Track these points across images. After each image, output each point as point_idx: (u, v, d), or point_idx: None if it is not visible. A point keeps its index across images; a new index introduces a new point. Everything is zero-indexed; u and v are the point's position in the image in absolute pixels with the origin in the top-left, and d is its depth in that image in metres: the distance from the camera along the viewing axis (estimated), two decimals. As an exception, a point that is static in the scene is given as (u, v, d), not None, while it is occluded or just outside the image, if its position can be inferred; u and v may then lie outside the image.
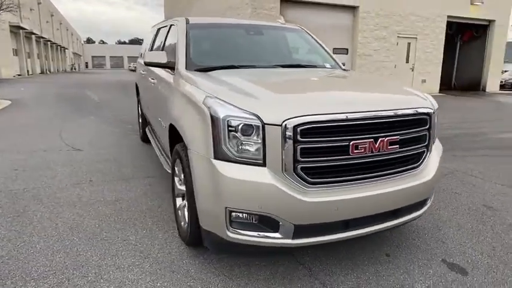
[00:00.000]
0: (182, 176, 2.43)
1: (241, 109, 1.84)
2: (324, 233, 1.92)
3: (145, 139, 5.27)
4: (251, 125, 1.80)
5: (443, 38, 14.21)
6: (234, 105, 1.86)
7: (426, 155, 2.21)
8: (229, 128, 1.83)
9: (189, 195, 2.15)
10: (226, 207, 1.85)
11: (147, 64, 3.05)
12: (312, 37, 3.68)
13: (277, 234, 1.87)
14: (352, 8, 11.92)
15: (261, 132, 1.79)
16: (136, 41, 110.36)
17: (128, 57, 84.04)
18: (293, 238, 1.87)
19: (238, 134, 1.82)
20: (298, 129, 1.77)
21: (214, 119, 1.86)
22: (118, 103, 10.68)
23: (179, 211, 2.64)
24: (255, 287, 2.05)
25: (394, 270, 2.25)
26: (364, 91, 2.35)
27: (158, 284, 2.06)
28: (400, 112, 2.01)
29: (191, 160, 2.01)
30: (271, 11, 10.39)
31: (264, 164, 1.81)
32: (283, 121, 1.77)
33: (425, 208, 2.32)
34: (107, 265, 2.23)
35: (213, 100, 1.94)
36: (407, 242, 2.60)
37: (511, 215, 3.09)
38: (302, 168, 1.82)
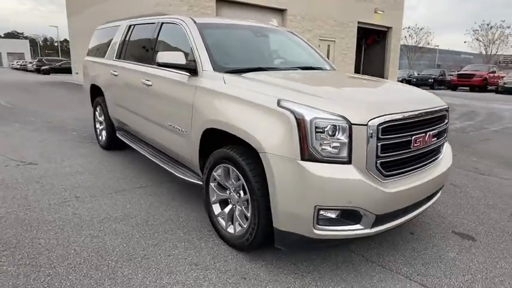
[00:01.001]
0: (232, 182, 2.38)
1: (327, 111, 1.92)
2: (393, 219, 2.14)
3: (110, 147, 4.79)
4: (338, 125, 1.90)
5: (355, 41, 16.00)
6: (319, 108, 1.93)
7: (445, 145, 2.61)
8: (317, 130, 1.90)
9: (257, 200, 2.13)
10: (315, 206, 1.92)
11: (162, 65, 2.83)
12: (303, 40, 3.88)
13: (358, 226, 2.01)
14: (281, 11, 12.55)
15: (347, 132, 1.91)
16: (15, 35, 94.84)
17: (8, 53, 71.51)
18: (371, 227, 2.04)
19: (325, 135, 1.91)
20: (380, 127, 1.95)
21: (300, 122, 1.91)
22: (34, 107, 9.27)
23: (218, 218, 2.58)
24: (328, 277, 2.16)
25: (425, 245, 2.60)
26: (404, 92, 2.62)
27: (240, 293, 2.01)
28: (437, 109, 2.35)
29: (269, 163, 2.00)
30: (207, 10, 10.28)
31: (349, 162, 1.93)
32: (369, 121, 1.92)
33: (440, 192, 2.74)
34: (170, 284, 2.07)
35: (293, 103, 1.98)
36: (419, 220, 3.01)
37: (473, 190, 3.81)
38: (381, 163, 2.00)
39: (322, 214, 1.96)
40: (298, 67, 3.18)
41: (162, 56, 2.80)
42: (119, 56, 4.21)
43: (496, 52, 39.58)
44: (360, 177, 1.91)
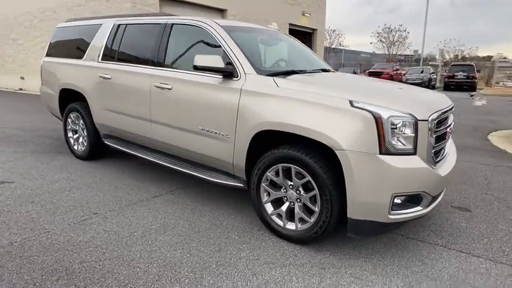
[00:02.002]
0: (294, 180, 2.49)
1: (398, 110, 2.19)
2: (436, 199, 2.52)
3: (91, 157, 4.37)
4: (408, 122, 2.19)
5: (287, 42, 16.86)
6: (391, 108, 2.19)
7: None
8: (392, 126, 2.16)
9: (330, 194, 2.30)
10: (393, 194, 2.18)
11: (199, 68, 2.77)
12: (301, 43, 4.11)
13: (419, 207, 2.34)
14: (221, 11, 12.59)
15: (414, 127, 2.21)
16: None
17: None
18: (426, 207, 2.39)
19: (397, 131, 2.18)
20: (434, 122, 2.30)
21: (378, 120, 2.14)
22: None
23: (273, 216, 2.67)
24: (388, 256, 2.44)
25: (439, 220, 3.08)
26: (430, 93, 3.02)
27: (343, 283, 2.16)
28: (452, 105, 2.82)
29: (347, 159, 2.18)
30: (151, 7, 9.79)
31: (415, 153, 2.24)
32: (429, 116, 2.25)
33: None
34: (263, 283, 2.11)
35: (367, 104, 2.19)
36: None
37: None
38: (434, 152, 2.35)
39: (396, 200, 2.24)
40: (319, 69, 3.41)
41: (200, 59, 2.75)
42: (107, 58, 3.88)
43: (397, 52, 45.62)
44: (425, 166, 2.23)
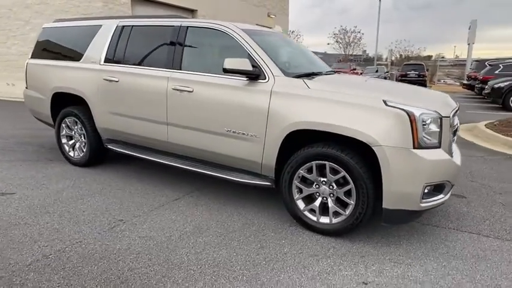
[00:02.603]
0: (330, 176, 2.64)
1: (426, 108, 2.42)
2: (452, 187, 2.81)
3: (90, 163, 4.19)
4: (435, 118, 2.43)
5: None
6: (420, 106, 2.42)
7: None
8: (423, 123, 2.38)
9: (366, 187, 2.49)
10: (424, 184, 2.41)
11: (229, 71, 2.81)
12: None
13: (441, 195, 2.60)
14: (192, 11, 12.46)
15: (439, 123, 2.46)
16: None
17: None
18: (447, 195, 2.66)
19: (427, 127, 2.41)
20: (453, 118, 2.57)
21: (412, 117, 2.35)
22: None
23: (305, 212, 2.80)
24: (415, 241, 2.68)
25: (450, 206, 3.41)
26: (439, 92, 3.31)
27: (386, 268, 2.35)
28: (458, 105, 3.15)
29: (384, 154, 2.37)
30: (123, 7, 9.43)
31: (439, 146, 2.49)
32: (450, 113, 2.52)
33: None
34: (320, 274, 2.24)
35: (399, 104, 2.40)
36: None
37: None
38: (451, 145, 2.63)
39: (426, 189, 2.47)
40: (330, 71, 3.59)
41: (230, 63, 2.81)
42: (112, 60, 3.75)
43: (353, 52, 47.83)
44: (449, 157, 2.50)
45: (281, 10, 19.57)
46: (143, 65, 3.56)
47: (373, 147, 2.43)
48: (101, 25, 3.97)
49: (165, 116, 3.37)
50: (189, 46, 3.33)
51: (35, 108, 4.62)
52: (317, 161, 2.66)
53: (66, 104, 4.28)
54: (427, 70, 29.12)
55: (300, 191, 2.82)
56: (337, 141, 2.65)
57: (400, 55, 51.30)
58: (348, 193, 2.62)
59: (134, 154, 3.74)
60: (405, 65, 27.19)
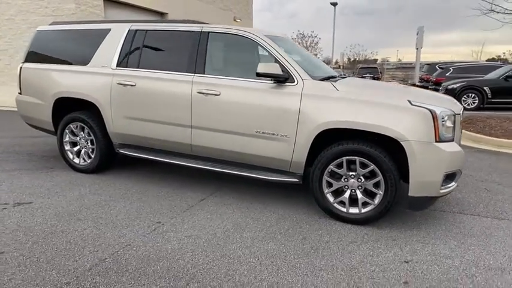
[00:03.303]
0: (358, 170, 2.91)
1: (443, 107, 2.79)
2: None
3: (98, 169, 4.10)
4: (450, 115, 2.81)
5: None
6: (439, 106, 2.78)
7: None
8: (442, 120, 2.74)
9: (394, 179, 2.79)
10: (444, 172, 2.77)
11: (262, 75, 2.98)
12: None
13: (453, 183, 2.98)
14: (162, 14, 12.29)
15: (453, 119, 2.84)
16: None
17: None
18: (456, 182, 3.05)
19: (444, 123, 2.77)
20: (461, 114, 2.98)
21: (434, 115, 2.70)
22: None
23: (335, 204, 3.05)
24: (432, 225, 3.05)
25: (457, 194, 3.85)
26: (440, 94, 3.73)
27: (417, 248, 2.65)
28: (454, 102, 3.59)
29: (412, 148, 2.69)
30: (96, 9, 9.08)
31: (453, 140, 2.87)
32: (460, 111, 2.91)
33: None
34: (368, 250, 2.49)
35: (423, 103, 2.75)
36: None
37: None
38: (459, 138, 3.03)
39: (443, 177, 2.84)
40: (344, 75, 3.88)
41: (262, 67, 2.99)
42: (125, 64, 3.73)
43: (311, 56, 49.56)
44: (460, 149, 2.88)
45: (246, 14, 19.91)
46: (161, 69, 3.59)
47: (401, 142, 2.74)
48: (109, 29, 3.93)
49: (189, 119, 3.44)
50: (212, 51, 3.44)
51: (30, 114, 4.40)
52: (348, 157, 2.92)
53: (70, 110, 4.15)
54: (381, 73, 31.23)
55: (330, 185, 3.06)
56: (363, 138, 2.93)
57: (349, 59, 54.09)
58: (375, 185, 2.91)
59: (150, 157, 3.75)
60: (361, 68, 28.89)
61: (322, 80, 3.17)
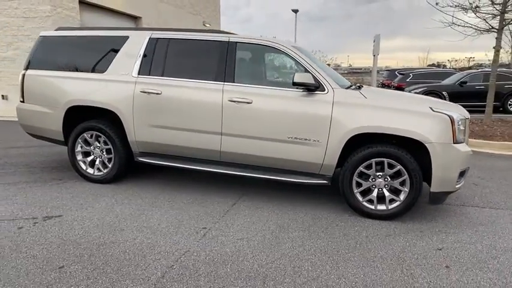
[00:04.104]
0: (386, 170, 3.21)
1: (458, 113, 3.18)
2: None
3: (115, 179, 4.02)
4: (463, 120, 3.21)
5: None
6: (454, 111, 3.17)
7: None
8: (458, 124, 3.14)
9: (419, 177, 3.13)
10: (460, 170, 3.16)
11: (298, 84, 3.19)
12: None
13: (463, 179, 3.40)
14: (135, 18, 12.00)
15: (465, 123, 3.25)
16: None
17: None
18: (464, 178, 3.47)
19: (459, 126, 3.17)
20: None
21: (452, 120, 3.08)
22: None
23: (363, 203, 3.33)
24: (451, 216, 3.44)
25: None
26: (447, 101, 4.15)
27: (442, 237, 2.98)
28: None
29: (435, 149, 3.04)
30: (72, 11, 8.65)
31: (464, 141, 3.28)
32: (468, 115, 3.34)
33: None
34: (408, 244, 2.78)
35: (442, 110, 3.12)
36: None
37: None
38: (467, 140, 3.46)
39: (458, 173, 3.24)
40: (360, 85, 4.20)
41: (299, 77, 3.21)
42: (148, 72, 3.73)
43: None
44: (470, 149, 3.30)
45: (214, 20, 19.96)
46: (186, 78, 3.65)
47: (426, 144, 3.09)
48: (126, 36, 3.89)
49: (220, 126, 3.54)
50: (241, 61, 3.58)
51: (35, 124, 4.19)
52: (377, 159, 3.22)
53: (82, 119, 4.03)
54: (340, 78, 32.84)
55: (359, 185, 3.34)
56: (386, 141, 3.25)
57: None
58: (401, 183, 3.24)
59: (175, 165, 3.77)
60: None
61: (347, 88, 3.45)
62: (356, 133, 3.22)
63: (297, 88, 3.35)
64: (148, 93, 3.69)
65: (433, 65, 52.18)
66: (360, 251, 2.73)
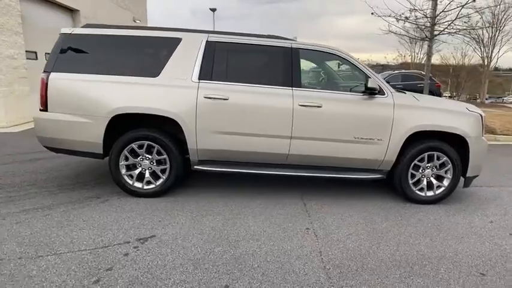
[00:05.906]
0: (435, 161, 3.79)
1: (480, 112, 3.95)
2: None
3: (168, 190, 3.76)
4: (483, 117, 4.00)
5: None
6: (480, 111, 3.92)
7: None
8: (482, 120, 3.90)
9: (458, 166, 3.80)
10: (483, 157, 3.95)
11: (369, 89, 3.52)
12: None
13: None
14: (72, 11, 10.61)
15: (483, 120, 4.04)
16: None
17: None
18: (479, 165, 4.31)
19: (483, 123, 3.95)
20: (481, 117, 4.25)
21: (482, 118, 3.83)
22: None
23: (416, 191, 3.89)
24: (468, 198, 4.21)
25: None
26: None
27: (461, 220, 3.69)
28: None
29: (473, 142, 3.74)
30: (12, 1, 7.22)
31: (483, 135, 4.08)
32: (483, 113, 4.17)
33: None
34: (435, 225, 3.38)
35: (474, 109, 3.83)
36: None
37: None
38: (479, 133, 4.31)
39: (480, 164, 4.02)
40: None
41: (371, 83, 3.57)
42: (209, 77, 3.59)
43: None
44: (487, 141, 4.13)
45: (142, 16, 18.76)
46: (251, 83, 3.64)
47: (466, 138, 3.77)
48: (179, 38, 3.66)
49: (289, 130, 3.65)
50: (305, 66, 3.74)
51: (62, 136, 3.60)
52: (429, 152, 3.79)
53: (127, 128, 3.64)
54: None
55: (412, 176, 3.86)
56: (435, 137, 3.85)
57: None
58: (446, 171, 3.87)
59: (238, 170, 3.74)
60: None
61: (397, 92, 3.95)
62: (415, 131, 3.72)
63: (361, 93, 3.69)
64: (214, 98, 3.57)
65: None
66: (440, 230, 3.23)
